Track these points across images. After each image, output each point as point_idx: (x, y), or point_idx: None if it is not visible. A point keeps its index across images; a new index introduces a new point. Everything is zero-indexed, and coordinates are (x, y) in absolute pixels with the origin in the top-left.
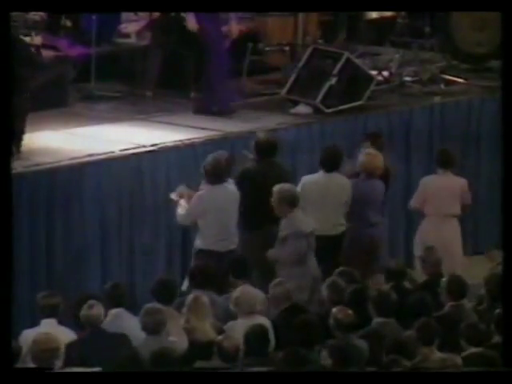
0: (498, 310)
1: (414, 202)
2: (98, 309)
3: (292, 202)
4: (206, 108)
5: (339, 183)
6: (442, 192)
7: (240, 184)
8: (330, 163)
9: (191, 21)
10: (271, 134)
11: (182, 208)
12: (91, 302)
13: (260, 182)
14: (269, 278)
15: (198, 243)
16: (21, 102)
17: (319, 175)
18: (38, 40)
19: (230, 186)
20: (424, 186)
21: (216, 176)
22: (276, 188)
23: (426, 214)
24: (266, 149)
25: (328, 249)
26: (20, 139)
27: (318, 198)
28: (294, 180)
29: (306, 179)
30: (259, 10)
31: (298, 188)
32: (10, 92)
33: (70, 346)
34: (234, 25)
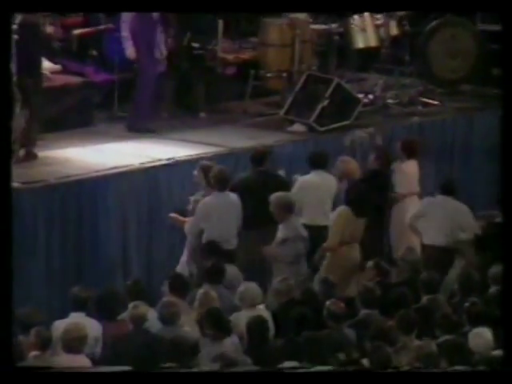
0: (467, 303)
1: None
2: (142, 309)
3: (289, 208)
4: (131, 126)
5: (327, 179)
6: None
7: (240, 189)
8: (318, 161)
9: (130, 49)
10: (264, 147)
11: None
12: (136, 302)
13: (258, 188)
14: (264, 272)
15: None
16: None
17: (311, 175)
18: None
19: (232, 194)
20: None
21: (221, 184)
22: (274, 196)
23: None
24: (259, 158)
25: (322, 238)
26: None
27: (312, 192)
28: (289, 188)
29: (301, 179)
30: (257, 11)
31: (296, 187)
32: (10, 100)
33: (115, 341)
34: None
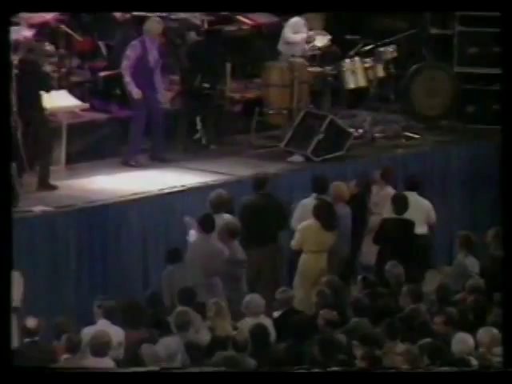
0: (442, 313)
1: None
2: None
3: (233, 232)
4: (126, 161)
5: None
6: None
7: (243, 210)
8: (320, 186)
9: (134, 91)
10: (264, 173)
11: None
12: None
13: (259, 209)
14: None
15: None
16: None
17: (309, 199)
18: None
19: (227, 215)
20: None
21: (217, 207)
22: (222, 220)
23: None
24: (260, 183)
25: None
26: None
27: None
28: (285, 210)
29: (303, 202)
30: (256, 10)
31: (297, 209)
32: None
33: (136, 346)
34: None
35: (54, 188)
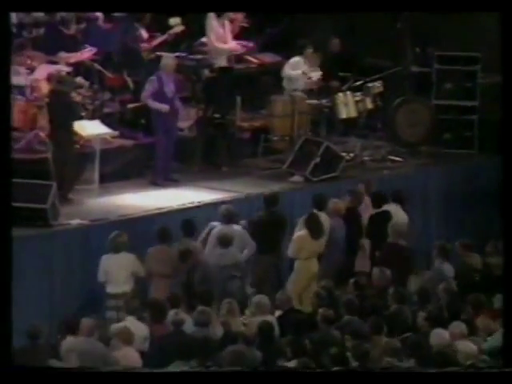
0: (423, 312)
1: None
2: (181, 315)
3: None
4: (152, 181)
5: (321, 216)
6: None
7: (254, 224)
8: (319, 202)
9: (159, 106)
10: (274, 193)
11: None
12: (176, 310)
13: (267, 223)
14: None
15: None
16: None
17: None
18: None
19: (236, 226)
20: None
21: (227, 219)
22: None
23: None
24: (271, 201)
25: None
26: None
27: None
28: (287, 224)
29: (303, 218)
30: (256, 10)
31: (300, 223)
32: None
33: (159, 340)
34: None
35: (72, 202)
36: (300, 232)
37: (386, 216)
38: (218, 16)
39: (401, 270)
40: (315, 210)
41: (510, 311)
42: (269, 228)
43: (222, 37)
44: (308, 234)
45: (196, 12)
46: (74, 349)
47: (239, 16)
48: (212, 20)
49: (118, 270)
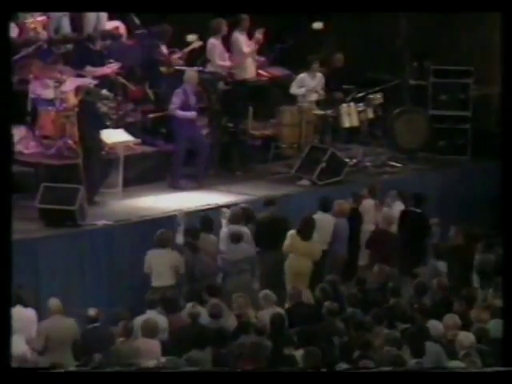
0: (417, 305)
1: None
2: (197, 308)
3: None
4: (171, 185)
5: (327, 217)
6: None
7: (259, 223)
8: (325, 204)
9: (188, 114)
10: (272, 196)
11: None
12: (193, 303)
13: (268, 223)
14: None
15: None
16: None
17: (318, 215)
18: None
19: (243, 227)
20: None
21: (234, 220)
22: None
23: None
24: (268, 202)
25: (324, 258)
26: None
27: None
28: (288, 224)
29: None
30: (256, 11)
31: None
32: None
33: (178, 331)
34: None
35: (98, 204)
36: (292, 231)
37: (421, 216)
38: (248, 35)
39: (387, 252)
40: (321, 211)
41: (510, 311)
42: (269, 227)
43: (223, 56)
44: (297, 234)
45: (196, 12)
46: None
47: (260, 36)
48: (214, 41)
49: (162, 265)
